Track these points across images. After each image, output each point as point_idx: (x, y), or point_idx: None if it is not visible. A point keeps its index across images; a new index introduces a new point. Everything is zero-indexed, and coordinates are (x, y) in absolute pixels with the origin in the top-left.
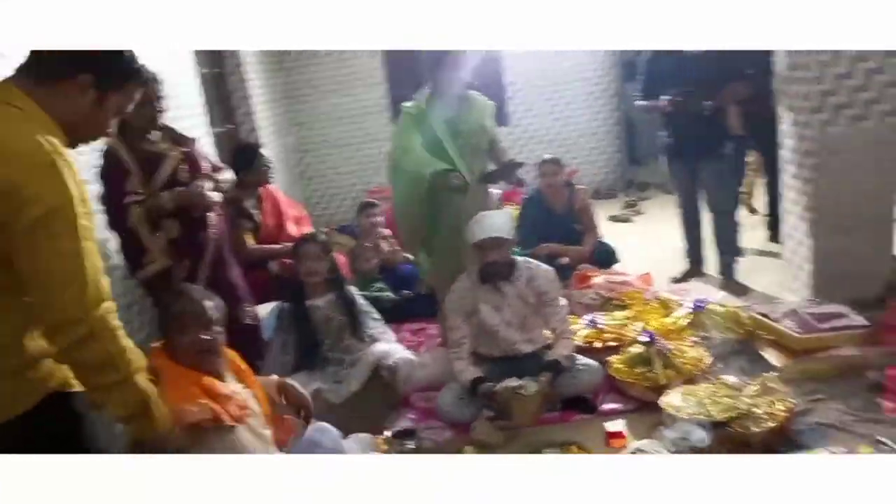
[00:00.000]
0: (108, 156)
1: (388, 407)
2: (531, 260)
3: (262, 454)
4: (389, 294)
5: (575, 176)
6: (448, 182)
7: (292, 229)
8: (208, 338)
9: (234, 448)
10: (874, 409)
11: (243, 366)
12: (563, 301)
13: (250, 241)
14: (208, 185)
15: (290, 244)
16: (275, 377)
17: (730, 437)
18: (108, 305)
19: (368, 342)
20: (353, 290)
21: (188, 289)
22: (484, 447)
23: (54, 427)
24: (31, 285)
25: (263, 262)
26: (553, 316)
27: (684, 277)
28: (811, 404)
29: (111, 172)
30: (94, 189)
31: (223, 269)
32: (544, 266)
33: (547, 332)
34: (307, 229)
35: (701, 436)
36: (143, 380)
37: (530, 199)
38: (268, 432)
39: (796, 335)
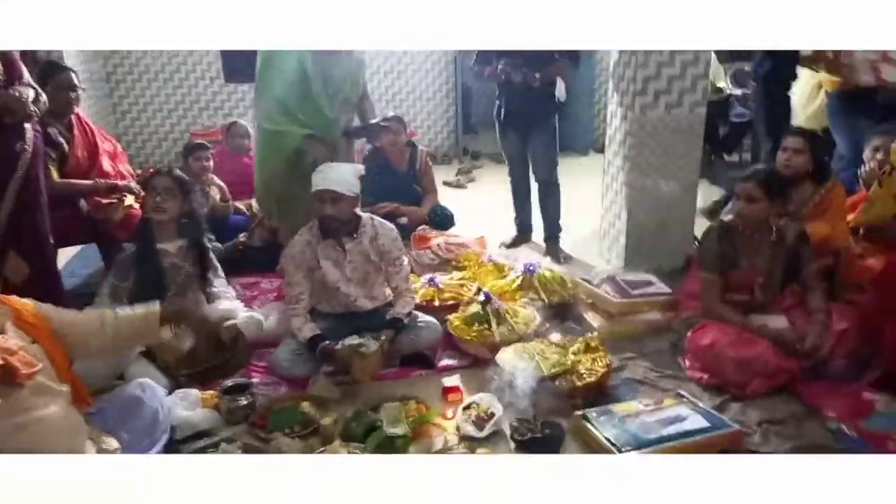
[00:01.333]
0: None
1: (232, 368)
2: (376, 217)
3: (59, 413)
4: (218, 245)
5: (415, 137)
6: (312, 151)
7: (107, 165)
8: None
9: (21, 409)
10: (675, 368)
11: (32, 318)
12: (405, 260)
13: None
14: (30, 93)
15: (103, 181)
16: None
17: (557, 389)
18: None
19: (211, 299)
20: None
21: None
22: (321, 403)
23: None
24: None
25: (70, 200)
26: (395, 274)
27: (513, 243)
28: (623, 362)
29: None
30: None
31: (32, 200)
32: (389, 224)
33: (388, 290)
34: (124, 166)
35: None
36: None
37: (370, 156)
38: (65, 389)
39: (613, 299)
